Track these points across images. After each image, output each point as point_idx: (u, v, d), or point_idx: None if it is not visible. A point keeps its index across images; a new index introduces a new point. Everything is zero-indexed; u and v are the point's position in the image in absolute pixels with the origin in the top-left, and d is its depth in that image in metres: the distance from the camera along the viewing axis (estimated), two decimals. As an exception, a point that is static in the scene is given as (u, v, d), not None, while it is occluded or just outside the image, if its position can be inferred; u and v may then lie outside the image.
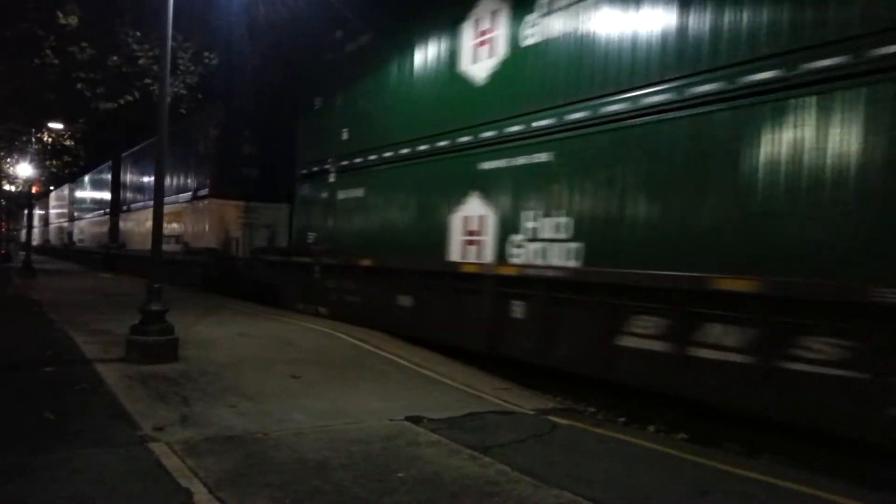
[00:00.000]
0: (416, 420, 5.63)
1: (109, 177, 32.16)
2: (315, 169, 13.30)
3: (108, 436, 4.82)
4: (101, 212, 34.34)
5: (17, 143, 22.15)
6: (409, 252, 10.25)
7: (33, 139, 22.32)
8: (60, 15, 10.55)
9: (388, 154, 10.89)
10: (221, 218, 18.27)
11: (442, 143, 9.55)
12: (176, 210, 21.14)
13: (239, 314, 12.71)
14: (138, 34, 11.79)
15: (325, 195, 12.79)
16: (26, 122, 19.21)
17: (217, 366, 7.53)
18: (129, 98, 13.18)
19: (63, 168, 29.82)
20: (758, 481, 4.51)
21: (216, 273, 18.06)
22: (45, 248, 52.62)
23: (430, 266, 9.60)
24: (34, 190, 29.11)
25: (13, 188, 34.15)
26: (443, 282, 9.38)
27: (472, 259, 8.91)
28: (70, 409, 5.47)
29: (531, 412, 6.20)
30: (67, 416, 5.26)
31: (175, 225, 21.35)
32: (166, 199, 20.20)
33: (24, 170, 24.56)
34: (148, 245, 20.54)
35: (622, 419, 6.81)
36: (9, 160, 25.46)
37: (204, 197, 19.09)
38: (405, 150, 10.43)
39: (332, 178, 12.46)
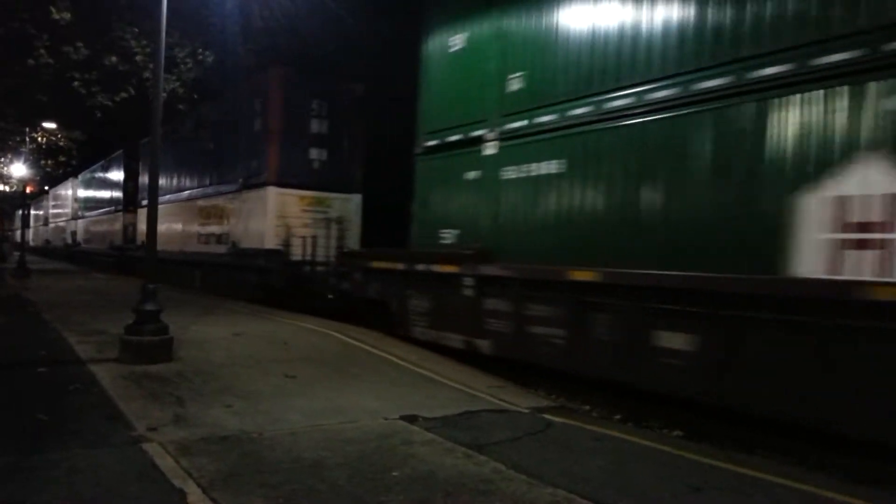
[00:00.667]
0: (410, 419, 5.63)
1: (121, 168, 28.03)
2: (453, 139, 9.40)
3: (102, 436, 4.80)
4: (112, 208, 29.96)
5: (10, 142, 22.07)
6: (672, 259, 6.26)
7: (27, 139, 22.24)
8: (53, 10, 10.50)
9: (622, 101, 6.93)
10: (283, 212, 14.60)
11: (782, 69, 5.61)
12: (217, 204, 17.79)
13: (234, 314, 12.69)
14: (136, 30, 11.77)
15: (474, 175, 8.98)
16: (20, 122, 19.13)
17: (212, 365, 7.52)
18: (125, 94, 13.15)
19: (57, 168, 29.74)
20: (752, 478, 4.52)
21: (280, 281, 14.32)
22: (46, 250, 49.37)
23: (766, 287, 5.55)
24: (28, 190, 29.01)
25: (7, 188, 34.07)
26: (779, 313, 5.46)
27: (872, 273, 5.00)
28: (64, 410, 5.46)
29: (526, 410, 6.21)
30: (61, 417, 5.24)
31: (216, 222, 17.96)
32: (201, 192, 18.90)
33: (19, 170, 24.47)
34: (184, 246, 19.90)
35: (617, 417, 6.81)
36: (2, 160, 25.39)
37: (259, 185, 15.12)
38: (668, 92, 6.49)
39: (489, 150, 8.70)
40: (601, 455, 4.92)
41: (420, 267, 9.46)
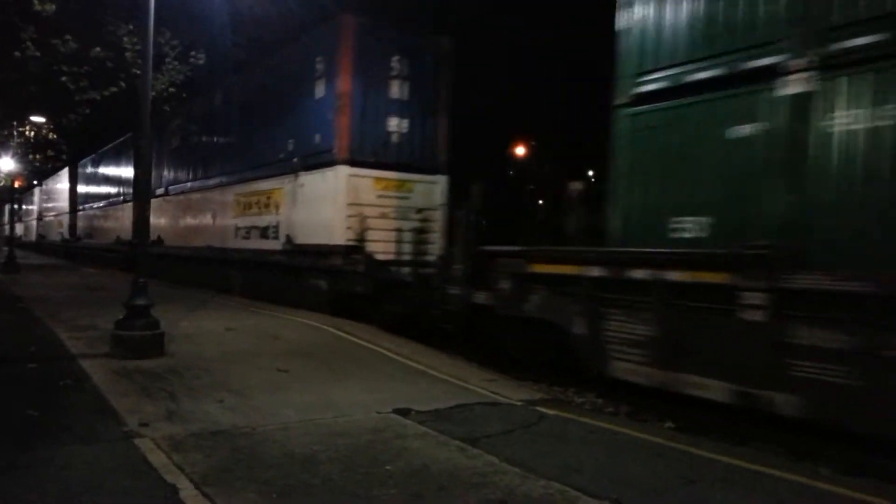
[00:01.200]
0: (403, 412, 5.63)
1: (130, 154, 24.20)
2: (703, 76, 6.45)
3: (94, 432, 4.78)
4: (119, 199, 26.50)
5: (-2, 136, 21.92)
6: None
7: (15, 133, 22.04)
8: (36, 2, 10.40)
9: None
10: (356, 198, 11.54)
11: None
12: (261, 190, 14.46)
13: (226, 308, 12.64)
14: (130, 27, 11.68)
15: (751, 130, 6.00)
16: (7, 116, 18.97)
17: (204, 360, 7.49)
18: (115, 89, 13.07)
19: (46, 162, 29.53)
20: (744, 469, 4.54)
21: (366, 288, 10.94)
22: (40, 245, 45.30)
23: None
24: (17, 184, 28.79)
25: (-3, 183, 33.79)
26: None
27: None
28: (55, 406, 5.42)
29: (519, 403, 6.22)
30: (52, 414, 5.21)
31: (259, 212, 14.62)
32: (238, 177, 15.49)
33: (7, 164, 24.27)
34: (215, 241, 16.45)
35: (610, 409, 6.83)
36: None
37: (325, 165, 11.93)
38: None
39: (791, 87, 5.69)
40: (594, 447, 4.93)
41: (636, 273, 6.42)
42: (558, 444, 4.95)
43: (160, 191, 21.35)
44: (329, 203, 11.70)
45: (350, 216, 11.38)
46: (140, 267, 7.80)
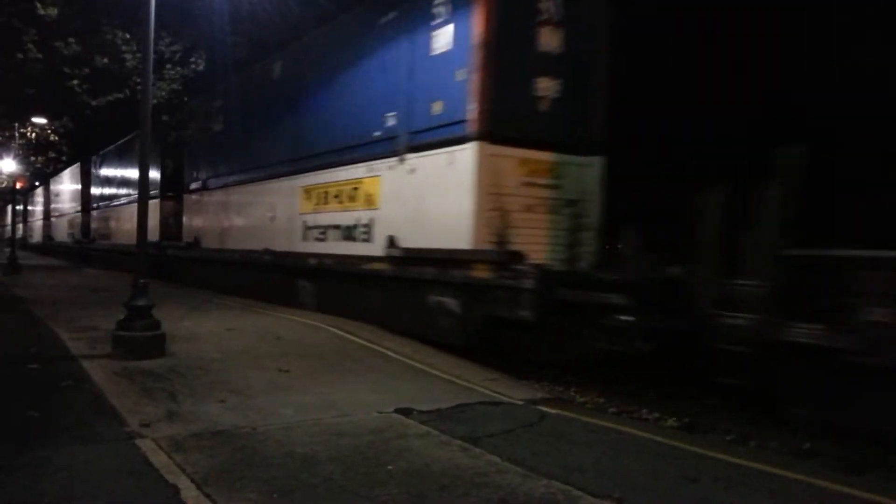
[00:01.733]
0: (405, 412, 5.62)
1: (157, 144, 18.67)
2: None
3: (95, 433, 4.77)
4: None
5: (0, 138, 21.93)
6: None
7: (16, 134, 22.06)
8: (39, 5, 10.41)
9: None
10: (497, 186, 8.50)
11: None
12: (344, 179, 11.30)
13: (227, 309, 12.64)
14: (128, 36, 11.69)
15: None
16: (9, 118, 18.99)
17: (205, 361, 7.48)
18: (119, 96, 13.07)
19: (48, 164, 29.56)
20: (746, 468, 4.53)
21: (533, 313, 7.54)
22: (47, 247, 42.54)
23: None
24: (19, 185, 28.81)
25: (-3, 184, 33.79)
26: None
27: None
28: (56, 407, 5.42)
29: (520, 402, 6.21)
30: (53, 414, 5.20)
31: (341, 207, 11.40)
32: (312, 163, 12.31)
33: (8, 165, 24.29)
34: (276, 243, 13.05)
35: (611, 408, 6.82)
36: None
37: (451, 143, 8.82)
38: None
39: None
40: (596, 446, 4.92)
41: None
42: (560, 444, 4.94)
43: (195, 185, 18.61)
44: (457, 193, 8.65)
45: (488, 210, 8.36)
46: (140, 267, 7.80)
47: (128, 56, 11.79)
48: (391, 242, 9.75)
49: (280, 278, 13.45)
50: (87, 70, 12.36)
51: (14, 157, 23.74)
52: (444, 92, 8.91)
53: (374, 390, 6.40)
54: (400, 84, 9.78)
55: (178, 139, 18.88)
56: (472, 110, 8.38)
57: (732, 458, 4.74)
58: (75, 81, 12.19)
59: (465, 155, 8.50)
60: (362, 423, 5.26)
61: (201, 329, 9.74)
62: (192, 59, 12.94)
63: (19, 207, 44.50)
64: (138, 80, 11.37)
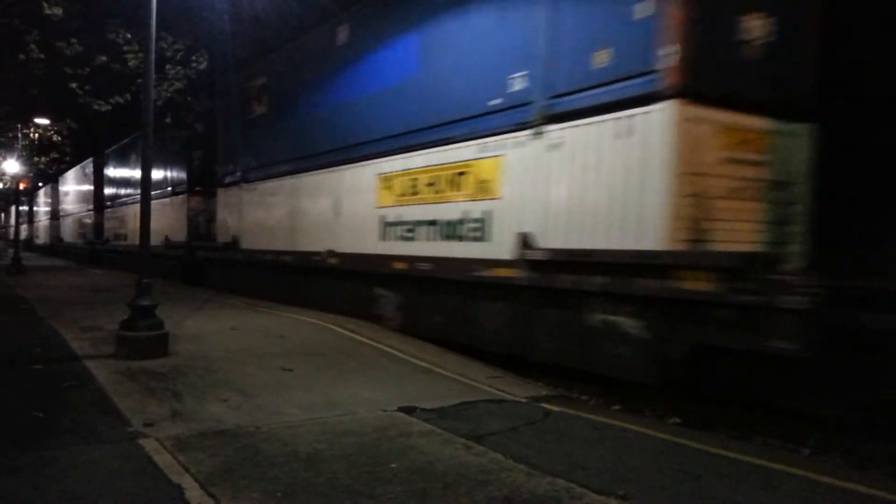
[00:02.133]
0: (408, 410, 5.62)
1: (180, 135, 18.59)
2: None
3: (99, 433, 4.78)
4: (169, 189, 20.54)
5: (2, 139, 21.96)
6: None
7: (19, 135, 22.11)
8: (45, 5, 10.43)
9: None
10: (695, 162, 6.16)
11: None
12: (450, 164, 8.80)
13: (230, 308, 12.65)
14: (129, 36, 11.70)
15: None
16: (11, 118, 19.03)
17: (208, 360, 7.49)
18: (121, 100, 13.09)
19: (51, 164, 29.64)
20: (750, 464, 4.52)
21: (799, 346, 5.32)
22: (56, 248, 40.50)
23: None
24: (22, 186, 28.88)
25: (1, 185, 33.88)
26: None
27: None
28: (59, 407, 5.43)
29: (524, 400, 6.21)
30: (57, 414, 5.21)
31: (444, 197, 8.94)
32: (397, 144, 9.84)
33: (11, 166, 24.34)
34: (343, 245, 10.73)
35: (615, 406, 6.81)
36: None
37: (627, 105, 6.45)
38: None
39: None
40: (599, 444, 4.92)
41: None
42: (563, 441, 4.94)
43: (230, 178, 16.07)
44: (639, 174, 6.36)
45: (684, 197, 6.10)
46: (142, 267, 7.81)
47: (129, 55, 11.81)
48: (525, 242, 7.50)
49: (349, 286, 11.46)
50: (87, 70, 12.39)
51: (17, 158, 23.79)
52: (613, 36, 6.66)
53: (378, 388, 6.41)
54: (536, 34, 7.50)
55: (208, 128, 16.96)
56: (667, 56, 6.09)
57: (736, 454, 4.73)
58: (75, 84, 12.20)
59: (654, 119, 6.22)
60: (366, 422, 5.26)
61: (204, 328, 9.75)
62: (194, 58, 12.95)
63: (23, 208, 44.55)
64: (140, 83, 11.39)
